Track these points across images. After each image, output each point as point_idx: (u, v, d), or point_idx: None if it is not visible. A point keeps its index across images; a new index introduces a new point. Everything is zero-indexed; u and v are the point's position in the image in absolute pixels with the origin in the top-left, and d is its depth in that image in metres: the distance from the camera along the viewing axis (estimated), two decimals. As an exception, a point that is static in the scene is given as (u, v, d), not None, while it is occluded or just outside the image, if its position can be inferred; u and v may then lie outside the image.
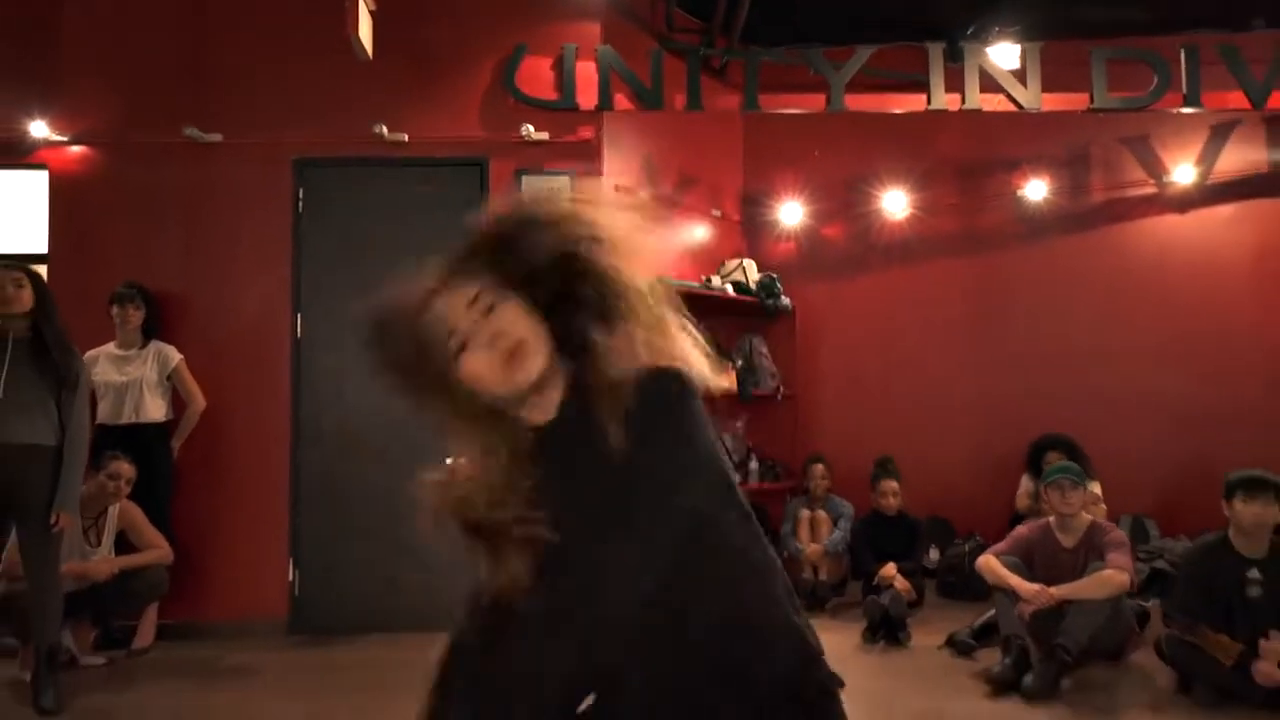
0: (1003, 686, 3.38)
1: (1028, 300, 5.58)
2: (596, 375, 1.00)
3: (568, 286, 1.03)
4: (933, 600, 4.75)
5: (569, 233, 1.03)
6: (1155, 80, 4.39)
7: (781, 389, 5.78)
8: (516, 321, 1.04)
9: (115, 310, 4.12)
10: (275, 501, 4.33)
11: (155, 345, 4.19)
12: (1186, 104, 4.39)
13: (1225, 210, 5.34)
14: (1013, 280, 5.63)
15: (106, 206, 4.32)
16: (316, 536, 4.36)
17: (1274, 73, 4.35)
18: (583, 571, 0.98)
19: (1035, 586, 3.58)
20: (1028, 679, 3.35)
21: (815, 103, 4.48)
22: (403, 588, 4.33)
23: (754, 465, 5.74)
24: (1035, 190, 5.51)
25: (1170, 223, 5.42)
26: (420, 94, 4.42)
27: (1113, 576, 3.52)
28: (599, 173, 4.53)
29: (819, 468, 5.18)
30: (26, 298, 3.17)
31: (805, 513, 5.07)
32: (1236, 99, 4.43)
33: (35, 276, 3.24)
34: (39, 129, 4.23)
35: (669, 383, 1.00)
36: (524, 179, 4.41)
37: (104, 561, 3.80)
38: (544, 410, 1.07)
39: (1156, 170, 5.40)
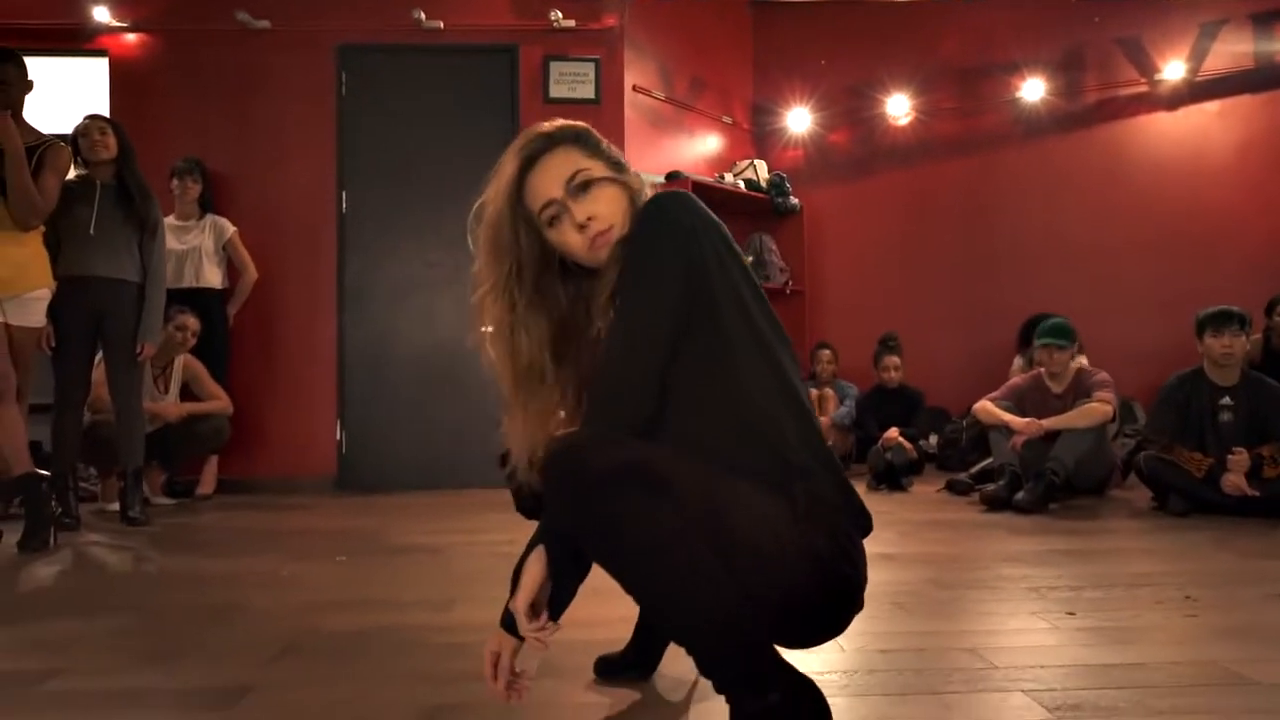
0: (996, 504, 3.74)
1: (1024, 198, 5.88)
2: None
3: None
4: (931, 473, 5.10)
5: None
6: (1146, -31, 4.67)
7: (790, 284, 6.10)
8: (610, 205, 1.23)
9: (175, 183, 4.42)
10: (324, 367, 4.67)
11: (211, 217, 4.49)
12: (1174, -9, 4.66)
13: (1212, 106, 5.62)
14: (1009, 179, 5.92)
15: (163, 90, 4.61)
16: (361, 400, 4.69)
17: (1258, -39, 4.61)
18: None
19: (1026, 420, 3.93)
20: (1019, 495, 3.70)
21: (826, -9, 4.75)
22: (442, 448, 4.69)
23: (764, 357, 6.07)
24: (1032, 92, 5.79)
25: (1161, 119, 5.70)
26: (455, -18, 4.70)
27: (1096, 407, 3.86)
28: (620, 61, 4.80)
29: (825, 353, 5.53)
30: (112, 144, 3.47)
31: (813, 391, 5.41)
32: (1221, -13, 4.70)
33: (118, 126, 3.53)
34: (101, 14, 4.50)
35: (645, 211, 1.21)
36: (552, 64, 4.69)
37: (173, 405, 4.15)
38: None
39: (1148, 69, 5.68)
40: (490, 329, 1.29)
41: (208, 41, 4.61)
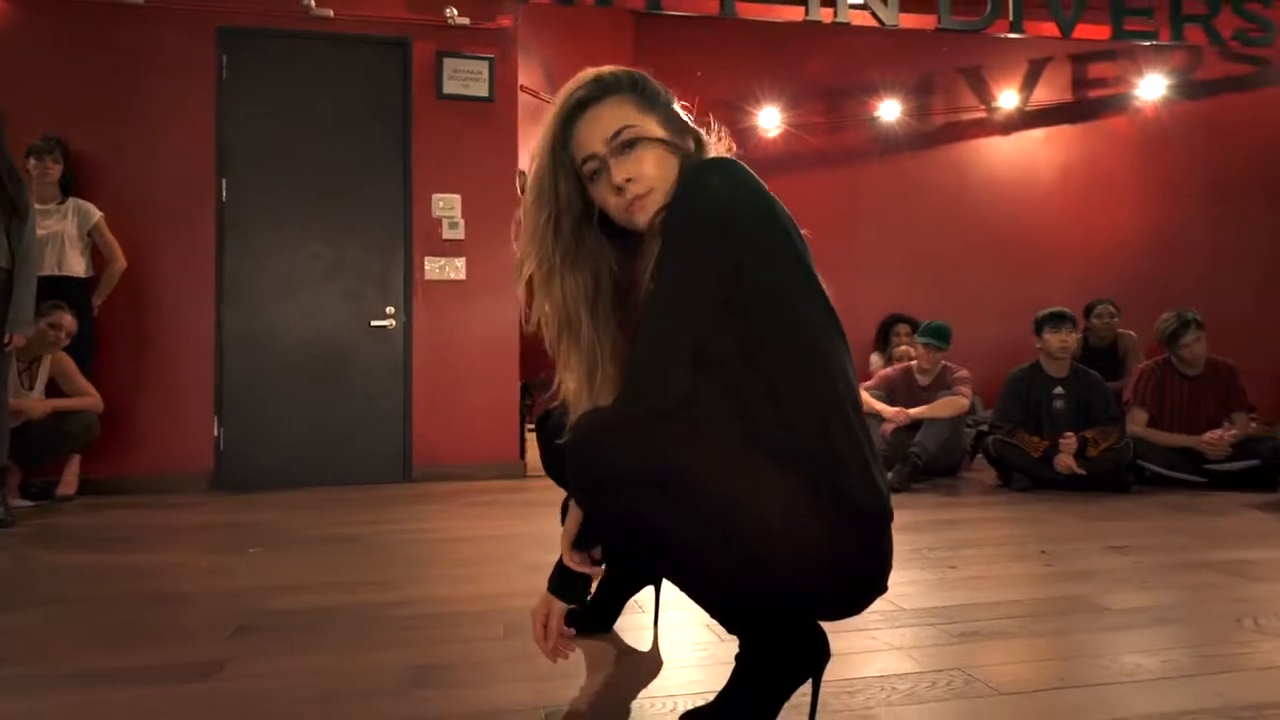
0: (867, 486, 4.11)
1: (882, 207, 6.40)
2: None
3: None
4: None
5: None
6: (989, 8, 5.23)
7: (669, 285, 6.35)
8: (654, 167, 1.16)
9: (33, 164, 4.11)
10: (200, 360, 4.47)
11: (74, 201, 4.22)
12: (1012, 29, 5.25)
13: (1039, 133, 6.34)
14: (869, 190, 6.43)
15: (19, 60, 4.27)
16: (241, 395, 4.53)
17: (1078, 10, 5.27)
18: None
19: (895, 409, 4.34)
20: (888, 476, 4.08)
21: (710, 7, 5.02)
22: (326, 445, 4.61)
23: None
24: (888, 112, 6.32)
25: (997, 142, 6.37)
26: (346, -29, 4.63)
27: (955, 400, 4.32)
28: (514, 61, 4.88)
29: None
30: (-22, 120, 3.23)
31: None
32: (1050, 29, 5.34)
33: None
34: (-55, -24, 4.14)
35: (691, 174, 1.16)
36: (445, 60, 4.71)
37: (39, 401, 3.88)
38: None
39: (986, 97, 6.33)
40: (526, 278, 1.24)
41: (72, 11, 4.32)
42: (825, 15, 5.08)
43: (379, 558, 2.58)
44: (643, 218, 1.18)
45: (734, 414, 1.12)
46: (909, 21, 5.19)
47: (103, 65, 4.38)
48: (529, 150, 4.37)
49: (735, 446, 1.10)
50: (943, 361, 4.56)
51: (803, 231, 1.24)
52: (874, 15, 5.12)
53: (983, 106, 6.36)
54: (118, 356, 4.37)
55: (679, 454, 1.08)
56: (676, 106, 1.26)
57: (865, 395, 4.47)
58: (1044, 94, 6.31)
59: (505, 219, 4.83)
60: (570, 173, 1.21)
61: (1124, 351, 5.12)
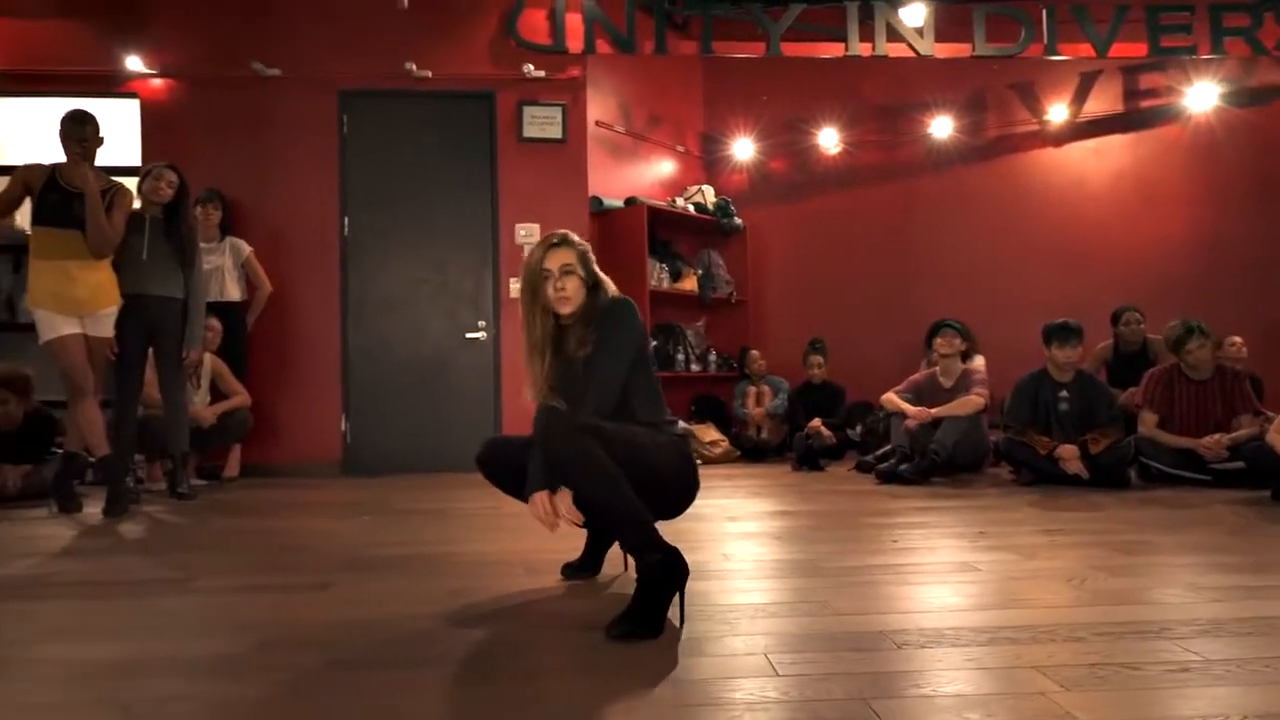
0: (888, 478, 4.63)
1: (935, 218, 6.80)
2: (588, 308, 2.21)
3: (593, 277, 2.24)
4: (854, 457, 5.97)
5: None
6: (1023, 34, 5.58)
7: (734, 294, 6.96)
8: (574, 287, 2.19)
9: (198, 210, 5.14)
10: (329, 367, 5.43)
11: (230, 239, 5.24)
12: (1047, 53, 5.59)
13: (1090, 144, 6.57)
14: (923, 202, 6.84)
15: (187, 127, 5.34)
16: (363, 396, 5.47)
17: (1114, 28, 5.55)
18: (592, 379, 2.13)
19: (918, 408, 4.84)
20: (905, 468, 4.60)
21: (757, 49, 5.60)
22: (430, 437, 5.49)
23: (713, 358, 6.93)
24: (941, 128, 6.71)
25: (1049, 154, 6.65)
26: (442, 37, 5.49)
27: (972, 399, 4.78)
28: (584, 106, 5.62)
29: (754, 353, 6.42)
30: (170, 194, 4.20)
31: (751, 388, 6.30)
32: (1086, 49, 5.64)
33: (181, 174, 4.25)
34: (133, 63, 5.23)
35: (617, 305, 2.19)
36: (525, 109, 5.50)
37: (207, 410, 4.90)
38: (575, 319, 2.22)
39: (1038, 110, 6.62)
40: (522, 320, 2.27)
41: (226, 86, 5.35)
42: (864, 50, 5.58)
43: (450, 524, 3.36)
44: (561, 308, 2.21)
45: (632, 414, 2.15)
46: (944, 51, 5.62)
47: (250, 127, 5.39)
48: (601, 179, 5.35)
49: (637, 427, 2.11)
50: (964, 366, 5.01)
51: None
52: (911, 47, 5.57)
53: (1034, 120, 6.65)
54: (266, 364, 5.38)
55: (612, 433, 1.99)
56: (595, 268, 2.27)
57: (894, 397, 4.98)
58: (1095, 105, 6.53)
59: (578, 243, 5.60)
60: (543, 273, 2.22)
61: (1154, 355, 5.38)
